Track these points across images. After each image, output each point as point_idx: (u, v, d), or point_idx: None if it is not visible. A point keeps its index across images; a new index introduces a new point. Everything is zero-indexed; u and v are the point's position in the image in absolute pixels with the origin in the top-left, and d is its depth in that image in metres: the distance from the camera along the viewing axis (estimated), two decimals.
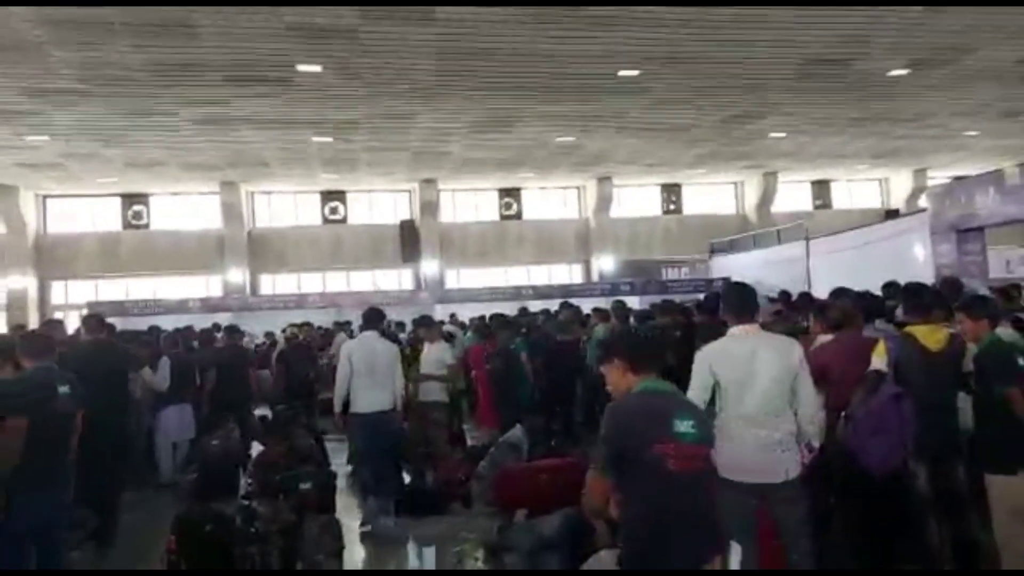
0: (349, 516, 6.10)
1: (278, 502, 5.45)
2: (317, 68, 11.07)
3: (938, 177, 22.17)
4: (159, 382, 7.46)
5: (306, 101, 12.67)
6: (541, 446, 6.77)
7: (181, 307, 16.93)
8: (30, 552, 3.87)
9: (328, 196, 21.87)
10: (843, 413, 3.92)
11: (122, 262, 20.47)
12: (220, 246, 20.57)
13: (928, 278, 9.63)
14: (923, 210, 13.97)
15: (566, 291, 17.56)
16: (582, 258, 22.95)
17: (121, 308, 16.41)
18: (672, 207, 23.78)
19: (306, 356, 10.98)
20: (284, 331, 13.91)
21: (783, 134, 17.03)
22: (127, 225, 20.92)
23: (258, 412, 10.21)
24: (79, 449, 4.43)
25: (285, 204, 21.91)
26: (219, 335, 10.08)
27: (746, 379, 3.48)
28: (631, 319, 9.00)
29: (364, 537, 5.94)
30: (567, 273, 22.91)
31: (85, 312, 11.95)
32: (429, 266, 21.26)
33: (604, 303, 12.11)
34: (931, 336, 4.07)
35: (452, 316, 14.71)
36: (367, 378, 6.07)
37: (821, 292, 6.75)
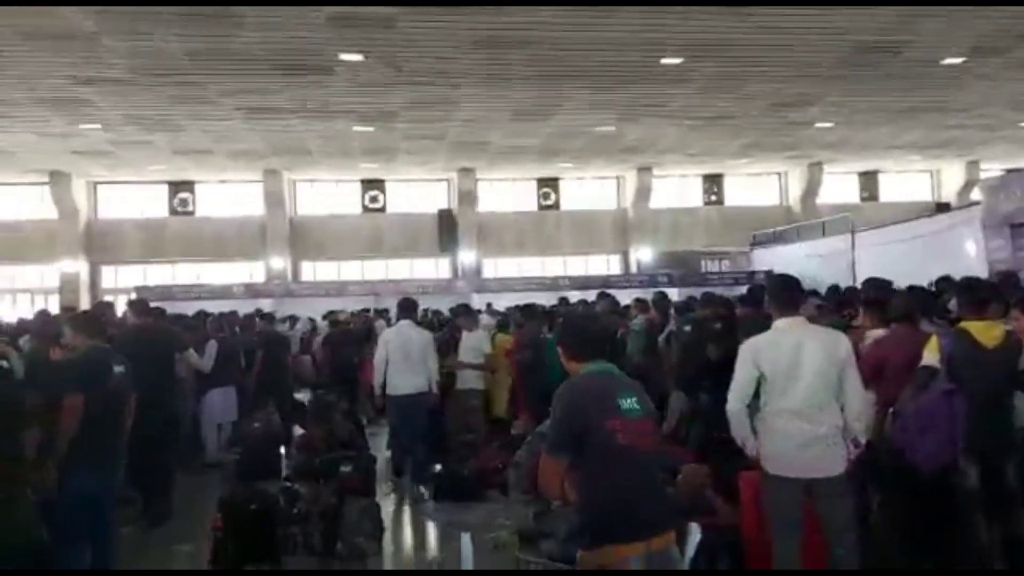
0: (388, 500, 6.19)
1: (319, 485, 5.55)
2: (359, 57, 11.15)
3: (991, 169, 21.40)
4: (204, 364, 7.65)
5: (347, 90, 12.79)
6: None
7: (225, 292, 17.27)
8: (83, 527, 3.99)
9: (368, 185, 22.08)
10: (891, 409, 3.83)
11: (168, 248, 20.99)
12: (263, 233, 20.93)
13: (980, 273, 9.32)
14: (976, 203, 13.52)
15: (604, 282, 17.44)
16: (620, 249, 22.78)
17: (168, 293, 16.82)
18: (713, 198, 23.43)
19: (351, 341, 11.16)
20: (324, 317, 14.14)
21: (830, 124, 16.62)
22: (173, 212, 21.43)
23: (299, 396, 10.42)
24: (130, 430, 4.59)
25: (326, 192, 22.18)
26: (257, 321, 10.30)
27: (791, 372, 3.42)
28: (671, 311, 8.93)
29: (403, 521, 6.02)
30: (605, 264, 22.77)
31: (133, 296, 12.29)
32: (466, 256, 21.34)
33: (642, 295, 12.01)
34: (986, 332, 3.94)
35: (488, 306, 14.75)
36: (402, 363, 6.51)
37: None
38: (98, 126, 14.74)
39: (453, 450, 7.49)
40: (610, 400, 2.60)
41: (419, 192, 22.39)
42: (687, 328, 7.26)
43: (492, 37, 10.45)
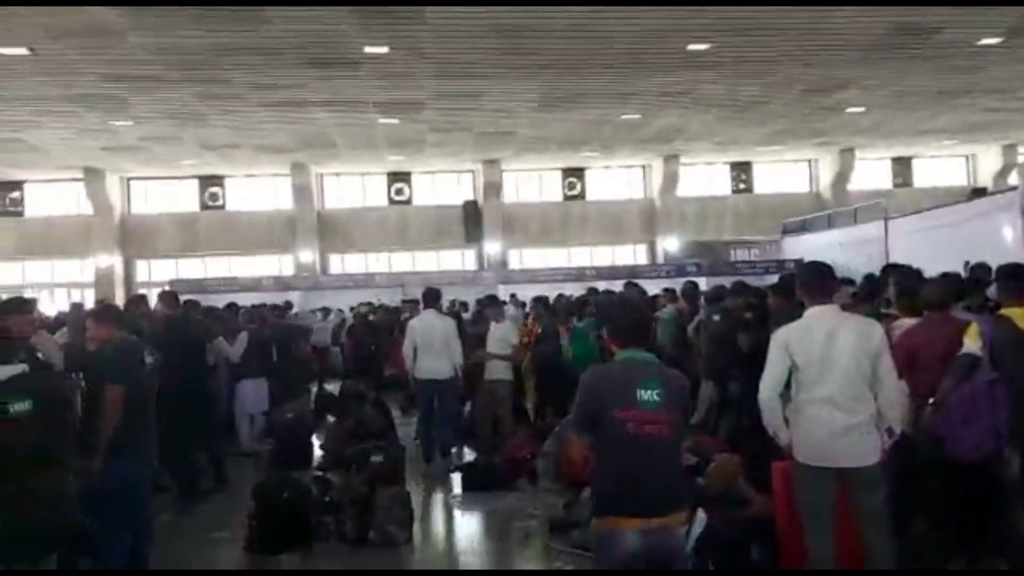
0: (418, 489, 6.24)
1: (350, 474, 5.62)
2: (384, 49, 11.18)
3: None
4: (234, 353, 7.76)
5: (373, 83, 12.84)
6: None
7: (255, 285, 17.51)
8: (122, 513, 4.07)
9: (394, 177, 22.19)
10: (932, 400, 3.75)
11: (200, 242, 21.33)
12: (291, 226, 21.16)
13: (1019, 259, 9.07)
14: (1013, 187, 13.15)
15: (631, 272, 17.33)
16: (647, 239, 22.62)
17: (200, 286, 17.07)
18: (742, 186, 23.14)
19: (374, 333, 11.28)
20: (352, 309, 14.27)
21: (862, 108, 16.29)
22: (204, 206, 21.75)
23: (329, 387, 10.53)
24: (161, 417, 4.69)
25: (353, 185, 22.34)
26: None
27: (824, 360, 3.37)
28: (700, 301, 8.86)
29: (433, 510, 6.07)
30: (631, 254, 22.64)
31: (160, 291, 12.47)
32: (492, 246, 21.36)
33: (669, 284, 11.92)
34: None
35: (512, 297, 14.76)
36: (426, 350, 7.01)
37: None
38: (130, 122, 14.99)
39: (481, 440, 7.53)
40: (628, 390, 2.75)
41: (445, 184, 22.44)
42: (717, 318, 7.20)
43: (518, 26, 10.40)
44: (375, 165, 21.03)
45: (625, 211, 22.53)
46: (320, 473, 6.05)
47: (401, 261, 21.93)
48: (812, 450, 3.38)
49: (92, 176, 19.85)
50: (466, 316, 11.28)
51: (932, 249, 12.38)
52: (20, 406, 3.15)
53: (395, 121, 15.73)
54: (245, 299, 12.13)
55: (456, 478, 6.74)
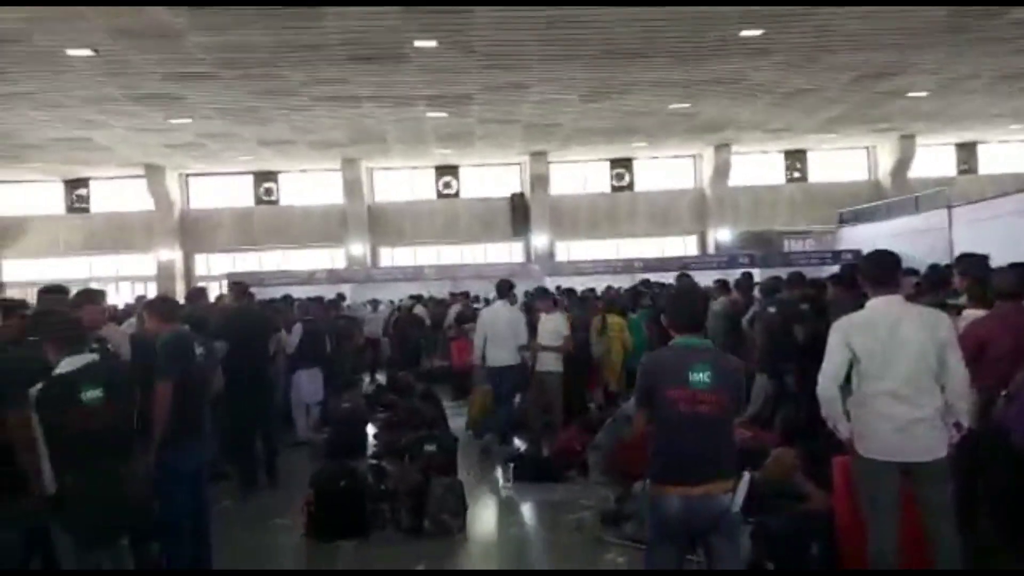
0: (469, 479, 6.28)
1: (405, 463, 5.70)
2: (432, 43, 11.24)
3: None
4: (290, 344, 7.96)
5: (422, 76, 12.93)
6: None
7: (309, 278, 17.90)
8: (181, 501, 4.19)
9: (441, 171, 22.34)
10: (1004, 392, 3.60)
11: (255, 236, 21.87)
12: (343, 220, 21.52)
13: None
14: None
15: (680, 264, 17.12)
16: (697, 230, 22.26)
17: (256, 279, 17.52)
18: (796, 175, 22.55)
19: (418, 326, 11.44)
20: (398, 302, 14.52)
21: (924, 93, 15.67)
22: (259, 201, 22.29)
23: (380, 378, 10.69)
24: (226, 405, 4.84)
25: (402, 179, 22.58)
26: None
27: (888, 352, 3.26)
28: (753, 291, 8.69)
29: (485, 500, 6.12)
30: (681, 246, 22.32)
31: (230, 281, 12.82)
32: (539, 239, 21.33)
33: (720, 276, 11.73)
34: None
35: (558, 288, 14.73)
36: (495, 339, 7.39)
37: None
38: (188, 120, 15.44)
39: (532, 431, 7.55)
40: (680, 372, 3.05)
41: (492, 177, 22.48)
42: (773, 309, 7.06)
43: (566, 17, 10.32)
44: (423, 159, 21.20)
45: (675, 202, 22.21)
46: (375, 462, 6.15)
47: (449, 254, 22.10)
48: (875, 444, 3.29)
49: (153, 173, 20.54)
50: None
51: (998, 239, 11.88)
52: (92, 394, 3.30)
53: (443, 114, 15.83)
54: (298, 292, 12.41)
55: (507, 469, 6.78)
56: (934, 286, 5.68)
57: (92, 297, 4.81)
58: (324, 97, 14.04)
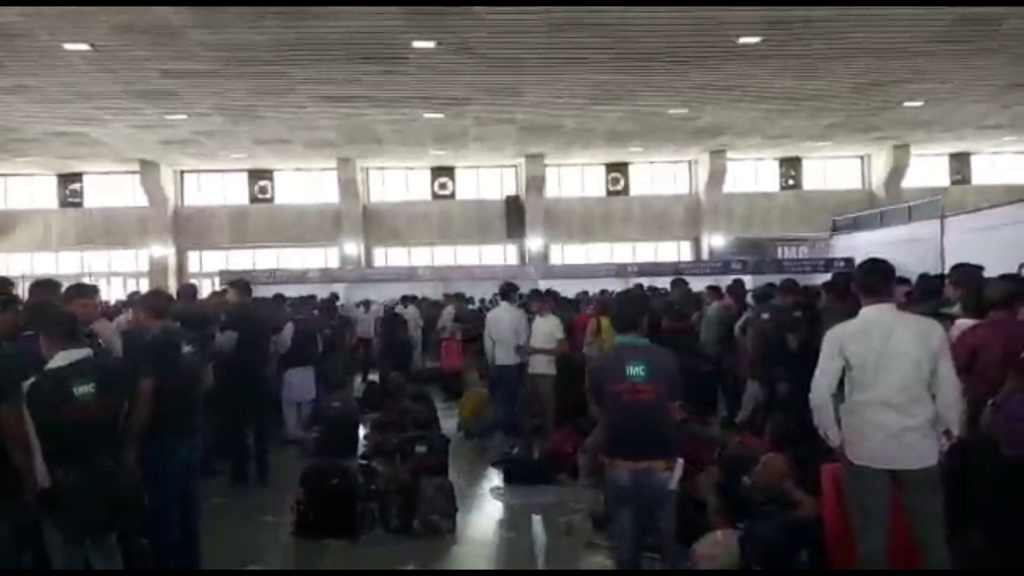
0: (459, 481, 6.28)
1: (395, 463, 5.70)
2: (431, 44, 11.25)
3: None
4: (282, 344, 7.94)
5: (419, 77, 12.93)
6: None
7: (302, 277, 17.85)
8: (171, 495, 4.17)
9: (437, 172, 22.33)
10: (991, 401, 3.63)
11: (249, 234, 21.82)
12: (337, 220, 21.50)
13: None
14: None
15: (674, 269, 17.16)
16: (692, 235, 22.34)
17: (248, 277, 17.41)
18: (791, 182, 22.65)
19: (402, 325, 11.47)
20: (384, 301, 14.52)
21: (920, 103, 15.77)
22: (253, 199, 22.24)
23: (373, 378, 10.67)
24: (220, 400, 4.82)
25: (397, 179, 22.57)
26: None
27: (880, 360, 3.29)
28: (747, 298, 8.72)
29: (475, 501, 6.12)
30: (675, 250, 22.39)
31: (230, 279, 12.78)
32: (534, 242, 21.36)
33: (714, 282, 11.77)
34: None
35: (551, 293, 14.76)
36: (499, 340, 7.69)
37: None
38: (185, 117, 15.40)
39: (523, 433, 7.55)
40: (620, 368, 3.66)
41: (487, 179, 22.50)
42: (766, 316, 7.09)
43: (566, 20, 10.35)
44: (419, 160, 21.20)
45: (670, 207, 22.28)
46: (365, 462, 6.14)
47: (443, 255, 22.10)
48: (866, 452, 3.31)
49: (148, 169, 20.47)
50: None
51: (990, 249, 11.94)
52: (84, 388, 3.30)
53: (440, 116, 15.83)
54: (291, 291, 12.38)
55: (498, 471, 6.79)
56: (925, 295, 5.72)
57: (83, 291, 4.79)
58: (321, 96, 14.04)
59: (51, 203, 21.91)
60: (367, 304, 15.09)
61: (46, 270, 19.54)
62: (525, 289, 11.34)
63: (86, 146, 17.95)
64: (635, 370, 3.61)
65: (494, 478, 6.73)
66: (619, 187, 22.62)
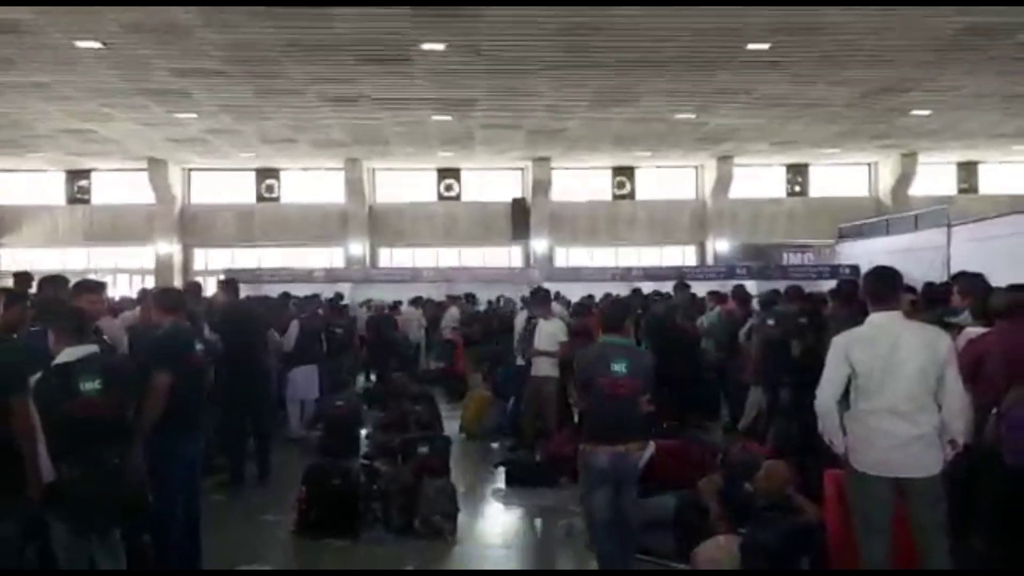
0: (461, 482, 6.28)
1: (398, 463, 5.71)
2: (440, 46, 11.28)
3: None
4: (286, 343, 7.97)
5: (427, 79, 12.96)
6: (655, 427, 6.70)
7: (307, 276, 17.90)
8: (176, 491, 4.20)
9: (443, 173, 22.36)
10: (995, 410, 3.63)
11: (255, 232, 21.85)
12: (343, 220, 21.53)
13: None
14: None
15: (679, 273, 17.15)
16: (697, 240, 22.30)
17: (254, 275, 17.55)
18: (798, 189, 22.60)
19: (392, 325, 11.52)
20: (412, 302, 14.50)
21: (927, 111, 15.74)
22: (260, 198, 22.28)
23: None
24: (221, 399, 4.85)
25: (403, 180, 22.60)
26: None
27: (887, 368, 3.28)
28: (751, 304, 8.71)
29: (476, 503, 6.12)
30: (680, 255, 22.37)
31: (219, 278, 12.87)
32: (539, 244, 21.36)
33: (718, 287, 11.76)
34: None
35: (557, 295, 14.75)
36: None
37: None
38: (194, 115, 15.46)
39: (525, 436, 7.55)
40: (604, 363, 4.06)
41: (493, 180, 22.52)
42: (771, 322, 7.08)
43: (576, 24, 10.36)
44: (425, 161, 21.23)
45: (675, 212, 22.26)
46: (367, 462, 6.15)
47: (448, 256, 22.11)
48: (871, 459, 3.31)
49: (156, 166, 20.55)
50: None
51: (996, 258, 11.91)
52: (90, 384, 3.32)
53: (447, 118, 15.86)
54: (296, 289, 12.41)
55: (499, 473, 6.79)
56: (931, 303, 5.71)
57: (91, 288, 4.81)
58: (329, 97, 14.08)
59: (59, 199, 22.01)
60: (370, 304, 15.12)
61: (53, 266, 19.59)
62: (525, 292, 11.39)
63: (95, 143, 18.03)
64: (618, 367, 4.02)
65: (496, 480, 6.74)
66: (625, 191, 22.61)
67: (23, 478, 3.14)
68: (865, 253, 17.66)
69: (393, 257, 22.52)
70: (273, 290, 12.31)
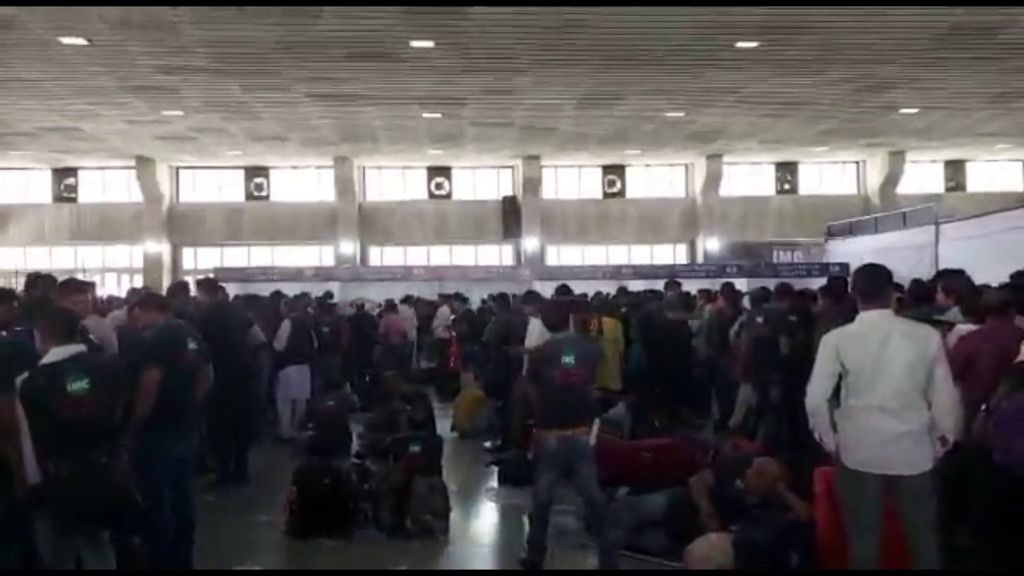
0: (453, 481, 6.28)
1: (388, 462, 5.69)
2: (429, 44, 11.25)
3: None
4: (278, 342, 7.93)
5: (417, 77, 12.92)
6: (644, 425, 6.72)
7: (297, 275, 17.80)
8: (166, 489, 4.17)
9: (434, 171, 22.32)
10: (984, 407, 3.65)
11: (244, 231, 21.75)
12: (333, 218, 21.46)
13: None
14: None
15: (670, 271, 17.18)
16: (687, 238, 22.38)
17: (243, 274, 17.44)
18: (787, 187, 22.72)
19: (371, 324, 11.50)
20: (403, 301, 14.46)
21: (915, 109, 15.85)
22: (249, 196, 22.17)
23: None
24: (206, 400, 4.83)
25: (393, 179, 22.55)
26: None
27: (877, 366, 3.29)
28: (742, 301, 8.74)
29: (468, 502, 6.12)
30: (671, 253, 22.43)
31: (197, 278, 12.77)
32: (530, 242, 21.37)
33: (709, 285, 11.80)
34: None
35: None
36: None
37: None
38: (181, 113, 15.35)
39: (514, 434, 7.54)
40: (557, 357, 4.50)
41: (484, 179, 22.50)
42: (759, 320, 7.11)
43: (564, 22, 10.36)
44: (416, 159, 21.18)
45: (665, 210, 22.32)
46: (359, 461, 6.13)
47: (439, 255, 22.08)
48: (860, 456, 3.32)
49: (143, 165, 20.40)
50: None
51: (984, 256, 12.01)
52: (78, 384, 3.29)
53: (437, 116, 15.83)
54: (286, 288, 12.32)
55: (492, 472, 6.79)
56: (917, 300, 5.74)
57: (78, 287, 4.77)
58: (318, 94, 14.02)
59: (45, 198, 21.81)
60: (360, 303, 15.05)
61: (40, 265, 19.42)
62: (520, 290, 11.37)
63: (81, 141, 17.88)
64: (567, 359, 4.46)
65: (488, 479, 6.73)
66: (615, 189, 22.65)
67: (8, 477, 3.11)
68: (854, 251, 17.76)
69: (384, 256, 22.46)
70: (262, 289, 12.24)
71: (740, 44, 11.42)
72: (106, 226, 21.34)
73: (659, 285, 11.84)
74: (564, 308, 5.20)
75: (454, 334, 11.85)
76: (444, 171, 22.32)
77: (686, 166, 22.39)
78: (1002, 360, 3.73)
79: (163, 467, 4.11)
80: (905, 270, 11.96)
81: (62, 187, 21.86)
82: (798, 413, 3.64)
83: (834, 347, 3.39)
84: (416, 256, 22.04)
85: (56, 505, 3.20)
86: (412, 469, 5.49)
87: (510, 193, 21.88)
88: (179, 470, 4.29)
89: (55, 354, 3.32)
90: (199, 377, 4.59)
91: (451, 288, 15.65)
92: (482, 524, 5.81)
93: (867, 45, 11.51)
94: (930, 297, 5.56)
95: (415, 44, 11.23)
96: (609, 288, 13.87)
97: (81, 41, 10.84)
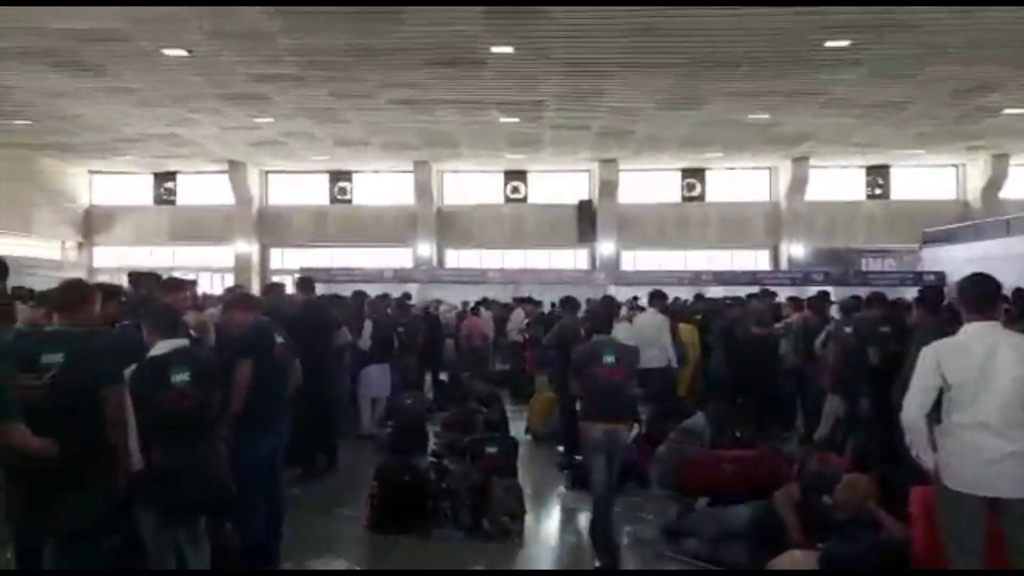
0: (525, 484, 6.28)
1: (466, 462, 5.75)
2: (509, 49, 11.34)
3: None
4: (362, 342, 8.15)
5: (496, 82, 13.05)
6: (726, 436, 6.55)
7: (377, 276, 18.26)
8: (260, 483, 4.36)
9: (510, 175, 22.46)
10: None
11: (328, 233, 22.49)
12: (413, 221, 21.91)
13: None
14: None
15: (751, 278, 16.71)
16: (770, 244, 21.70)
17: (327, 275, 18.01)
18: (878, 191, 21.71)
19: (438, 326, 11.64)
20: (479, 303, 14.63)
21: (1020, 110, 14.87)
22: (333, 200, 22.91)
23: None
24: (295, 395, 5.00)
25: (471, 183, 22.82)
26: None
27: (982, 381, 3.11)
28: (827, 311, 8.42)
29: (542, 505, 6.12)
30: (752, 259, 21.79)
31: (296, 277, 13.24)
32: (606, 247, 21.18)
33: (795, 292, 11.41)
34: None
35: (635, 299, 14.59)
36: (641, 343, 7.35)
37: None
38: (271, 119, 16.02)
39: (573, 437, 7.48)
40: (598, 356, 4.90)
41: (560, 183, 22.47)
42: (849, 330, 6.82)
43: (647, 25, 10.24)
44: (493, 163, 21.37)
45: (747, 214, 21.71)
46: (436, 460, 6.23)
47: (514, 258, 22.18)
48: (962, 476, 3.14)
49: (235, 169, 21.40)
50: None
51: None
52: (180, 376, 3.47)
53: (515, 120, 15.92)
54: (367, 289, 12.62)
55: (563, 476, 6.77)
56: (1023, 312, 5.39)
57: (180, 285, 5.05)
58: (399, 100, 14.34)
59: (147, 200, 23.18)
60: (437, 304, 15.29)
61: (141, 263, 20.63)
62: (595, 295, 11.32)
63: (180, 146, 18.91)
64: (608, 359, 4.87)
65: (560, 482, 6.71)
66: (694, 193, 22.20)
67: (114, 467, 3.30)
68: (950, 259, 16.83)
69: (460, 258, 22.75)
70: (343, 289, 12.60)
71: (829, 43, 11.00)
72: (201, 227, 22.47)
73: (740, 291, 11.54)
74: (606, 315, 5.65)
75: (527, 337, 11.88)
76: (520, 175, 22.43)
77: (769, 169, 21.72)
78: None
79: (255, 459, 4.28)
80: (1009, 280, 11.23)
81: (162, 190, 23.17)
82: (889, 427, 3.47)
83: (935, 359, 3.22)
84: (492, 259, 22.22)
85: (159, 495, 3.37)
86: (490, 469, 5.54)
87: (587, 197, 21.77)
88: (270, 463, 4.46)
89: (160, 347, 3.52)
90: (288, 371, 4.77)
91: (526, 292, 15.71)
92: (556, 528, 5.80)
93: (968, 42, 10.87)
94: None
95: (496, 50, 11.34)
96: (687, 294, 13.63)
97: (182, 52, 11.47)
